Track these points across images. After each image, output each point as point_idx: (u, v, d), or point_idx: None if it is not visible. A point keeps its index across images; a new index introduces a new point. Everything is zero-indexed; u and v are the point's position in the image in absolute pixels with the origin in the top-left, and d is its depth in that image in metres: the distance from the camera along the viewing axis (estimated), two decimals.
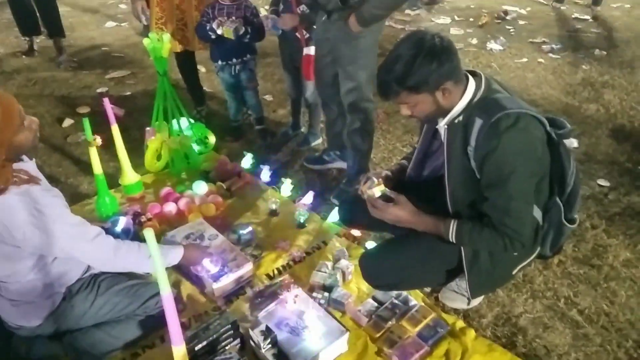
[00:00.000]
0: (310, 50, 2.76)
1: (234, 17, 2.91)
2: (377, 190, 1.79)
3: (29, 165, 1.68)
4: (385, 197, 1.79)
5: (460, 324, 1.93)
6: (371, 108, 2.56)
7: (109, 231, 2.08)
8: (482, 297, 2.02)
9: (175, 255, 1.92)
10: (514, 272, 1.85)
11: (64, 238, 1.61)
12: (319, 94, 2.86)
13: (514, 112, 1.53)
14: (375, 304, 1.99)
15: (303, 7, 2.73)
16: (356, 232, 2.40)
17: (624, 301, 2.05)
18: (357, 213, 2.05)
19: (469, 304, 1.99)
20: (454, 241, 1.70)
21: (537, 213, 1.66)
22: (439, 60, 1.52)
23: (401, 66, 1.54)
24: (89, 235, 1.68)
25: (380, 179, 1.82)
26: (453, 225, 1.68)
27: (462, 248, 1.76)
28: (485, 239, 1.64)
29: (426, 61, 1.51)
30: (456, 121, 1.65)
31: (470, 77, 1.64)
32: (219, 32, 2.88)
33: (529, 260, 1.83)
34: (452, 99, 1.61)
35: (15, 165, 1.58)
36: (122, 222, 2.20)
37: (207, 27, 2.91)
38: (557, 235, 1.76)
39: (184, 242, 2.20)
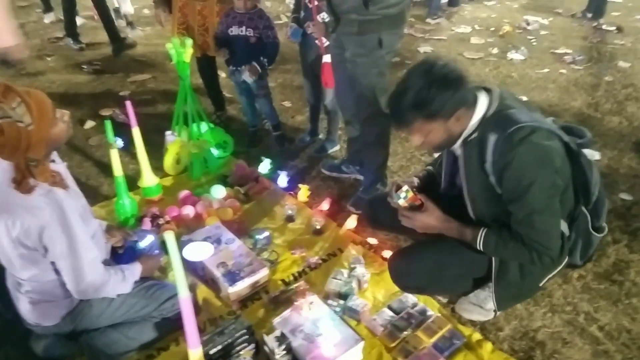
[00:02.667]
0: (330, 57, 2.76)
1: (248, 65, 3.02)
2: (405, 199, 1.79)
3: (60, 167, 1.71)
4: (413, 206, 1.80)
5: (476, 336, 1.90)
6: (384, 121, 2.54)
7: (133, 245, 2.09)
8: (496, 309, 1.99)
9: (137, 271, 1.84)
10: (541, 284, 1.83)
11: (65, 246, 1.59)
12: (342, 114, 2.87)
13: (527, 125, 1.52)
14: (391, 314, 1.97)
15: (324, 15, 2.73)
16: (373, 241, 2.39)
17: None
18: (382, 214, 2.04)
19: (495, 315, 1.96)
20: (482, 250, 1.69)
21: (562, 224, 1.64)
22: (454, 87, 1.54)
23: (417, 94, 1.56)
24: (87, 256, 1.64)
25: (409, 187, 1.82)
26: (481, 235, 1.67)
27: (493, 259, 1.75)
28: (512, 252, 1.63)
29: (442, 89, 1.54)
30: (470, 139, 1.65)
31: (481, 94, 1.64)
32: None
33: (556, 271, 1.81)
34: (463, 124, 1.63)
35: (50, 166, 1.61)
36: (148, 240, 2.15)
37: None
38: (585, 245, 1.75)
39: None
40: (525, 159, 1.51)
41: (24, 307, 1.73)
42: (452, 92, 1.54)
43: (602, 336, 1.92)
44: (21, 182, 1.50)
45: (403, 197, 1.79)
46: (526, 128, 1.51)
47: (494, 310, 1.92)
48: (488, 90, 1.66)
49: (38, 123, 1.48)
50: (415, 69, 1.61)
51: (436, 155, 2.07)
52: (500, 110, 1.60)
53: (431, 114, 1.57)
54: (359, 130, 2.69)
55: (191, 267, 2.23)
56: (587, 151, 1.69)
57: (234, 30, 2.99)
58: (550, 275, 1.81)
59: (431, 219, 1.76)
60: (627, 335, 1.93)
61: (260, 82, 3.15)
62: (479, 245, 1.68)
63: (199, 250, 2.11)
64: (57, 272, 1.65)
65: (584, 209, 1.69)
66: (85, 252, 1.62)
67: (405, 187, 1.80)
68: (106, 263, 1.81)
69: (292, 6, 3.10)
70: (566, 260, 1.78)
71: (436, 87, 1.53)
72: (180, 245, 2.25)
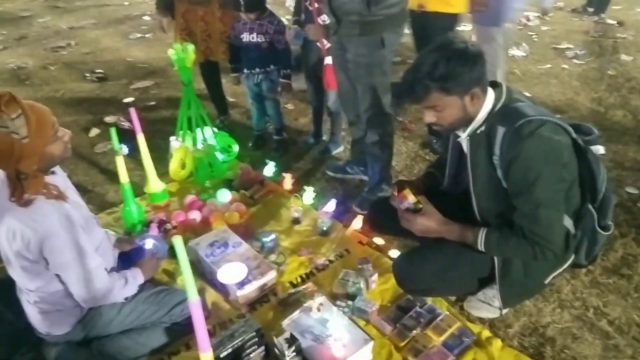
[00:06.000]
0: (331, 59, 2.77)
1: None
2: (409, 201, 1.80)
3: (58, 179, 1.70)
4: (414, 209, 1.80)
5: (486, 333, 1.90)
6: (387, 121, 2.56)
7: (140, 250, 2.10)
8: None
9: (139, 276, 1.86)
10: (546, 281, 1.83)
11: (69, 256, 1.60)
12: (345, 115, 2.88)
13: (536, 118, 1.52)
14: (400, 313, 1.97)
15: (324, 17, 2.74)
16: (379, 241, 2.39)
17: None
18: (386, 219, 2.04)
19: (501, 313, 1.96)
20: (484, 250, 1.68)
21: (568, 221, 1.64)
22: (472, 63, 1.53)
23: (435, 65, 1.53)
24: (91, 263, 1.65)
25: (410, 190, 1.82)
26: (482, 235, 1.67)
27: (494, 258, 1.74)
28: (514, 248, 1.63)
29: (460, 62, 1.52)
30: (478, 131, 1.64)
31: (489, 88, 1.64)
32: None
33: (562, 269, 1.80)
34: (478, 106, 1.61)
35: (47, 179, 1.61)
36: (150, 243, 2.16)
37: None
38: (591, 243, 1.73)
39: (208, 250, 2.23)
40: (533, 153, 1.51)
41: (34, 317, 1.74)
42: (469, 67, 1.53)
43: (612, 330, 1.92)
44: (15, 194, 1.50)
45: (411, 201, 1.80)
46: (535, 121, 1.52)
47: (499, 308, 1.92)
48: (496, 85, 1.66)
49: (34, 138, 1.47)
50: (434, 44, 1.60)
51: (442, 151, 2.06)
52: (508, 103, 1.60)
53: (447, 87, 1.55)
54: (363, 131, 2.70)
55: (199, 272, 2.24)
56: (592, 147, 1.68)
57: (246, 37, 3.02)
58: (555, 274, 1.80)
59: (431, 222, 1.76)
60: (637, 329, 1.92)
61: (272, 85, 3.17)
62: (481, 246, 1.67)
63: (233, 272, 2.08)
64: (63, 282, 1.66)
65: (590, 206, 1.68)
66: (89, 261, 1.63)
67: (410, 199, 1.80)
68: (110, 270, 1.83)
69: (292, 9, 3.11)
70: (572, 259, 1.78)
71: (455, 61, 1.52)
72: (188, 250, 2.27)
